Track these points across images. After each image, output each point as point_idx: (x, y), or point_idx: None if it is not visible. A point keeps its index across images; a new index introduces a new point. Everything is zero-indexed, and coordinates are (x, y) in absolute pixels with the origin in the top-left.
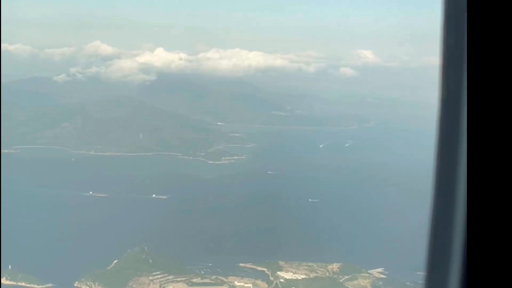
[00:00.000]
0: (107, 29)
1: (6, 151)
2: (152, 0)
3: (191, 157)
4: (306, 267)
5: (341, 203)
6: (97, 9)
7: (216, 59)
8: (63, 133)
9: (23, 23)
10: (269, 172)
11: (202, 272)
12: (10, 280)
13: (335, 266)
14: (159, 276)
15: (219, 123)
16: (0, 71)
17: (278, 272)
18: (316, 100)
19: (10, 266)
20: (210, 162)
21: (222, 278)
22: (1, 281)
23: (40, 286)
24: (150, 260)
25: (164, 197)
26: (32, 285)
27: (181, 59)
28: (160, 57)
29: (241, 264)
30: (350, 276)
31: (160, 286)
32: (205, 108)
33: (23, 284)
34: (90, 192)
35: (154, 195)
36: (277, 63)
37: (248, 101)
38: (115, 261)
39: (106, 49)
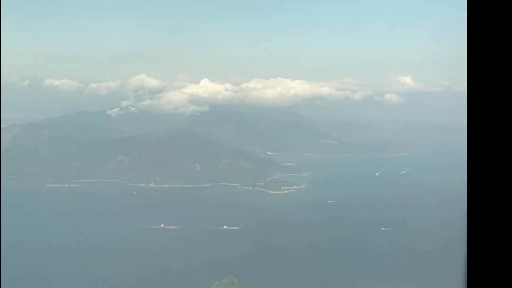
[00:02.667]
0: (150, 63)
1: (66, 185)
2: (188, 33)
3: (250, 188)
4: None
5: (415, 232)
6: (137, 43)
7: (260, 88)
8: (120, 166)
9: (67, 58)
10: (329, 201)
11: None
12: None
13: None
14: None
15: (269, 153)
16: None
17: None
18: (362, 127)
19: None
20: (271, 192)
21: None
22: None
23: None
24: None
25: (236, 228)
26: None
27: (227, 89)
28: (206, 88)
29: None
30: None
31: None
32: (255, 138)
33: None
34: (162, 225)
35: (225, 227)
36: (323, 91)
37: (295, 130)
38: None
39: (151, 82)
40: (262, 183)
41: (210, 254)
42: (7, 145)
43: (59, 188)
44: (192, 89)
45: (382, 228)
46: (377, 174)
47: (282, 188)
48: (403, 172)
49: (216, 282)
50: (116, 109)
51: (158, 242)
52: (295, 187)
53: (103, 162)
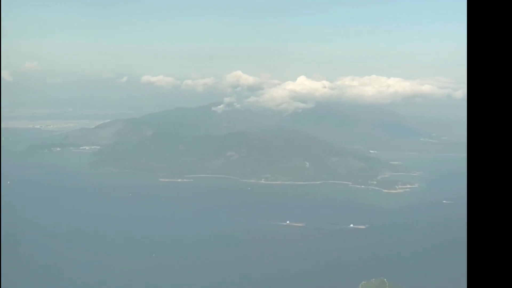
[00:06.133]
0: (241, 60)
1: (179, 180)
2: (278, 30)
3: (363, 186)
4: None
5: None
6: (228, 41)
7: (357, 86)
8: (229, 162)
9: (161, 56)
10: (444, 201)
11: None
12: None
13: None
14: None
15: (372, 151)
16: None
17: None
18: (462, 126)
19: None
20: (385, 191)
21: None
22: None
23: None
24: None
25: (362, 227)
26: None
27: (324, 87)
28: (304, 86)
29: None
30: None
31: None
32: (356, 136)
33: None
34: (287, 222)
35: (352, 225)
36: (424, 89)
37: (394, 128)
38: None
39: (247, 78)
40: (374, 182)
41: (345, 252)
42: (111, 140)
43: (173, 183)
44: (290, 86)
45: None
46: None
47: (396, 187)
48: None
49: (363, 282)
50: (222, 106)
51: (290, 239)
52: (409, 186)
53: (212, 158)
